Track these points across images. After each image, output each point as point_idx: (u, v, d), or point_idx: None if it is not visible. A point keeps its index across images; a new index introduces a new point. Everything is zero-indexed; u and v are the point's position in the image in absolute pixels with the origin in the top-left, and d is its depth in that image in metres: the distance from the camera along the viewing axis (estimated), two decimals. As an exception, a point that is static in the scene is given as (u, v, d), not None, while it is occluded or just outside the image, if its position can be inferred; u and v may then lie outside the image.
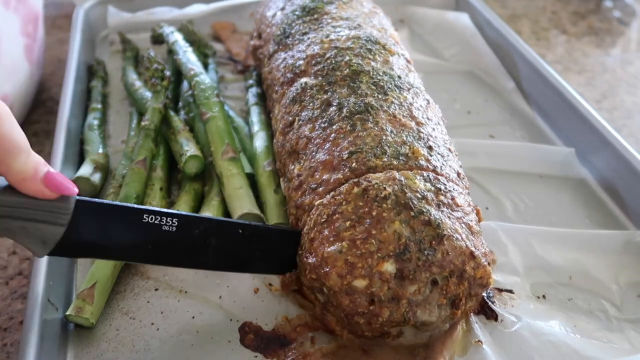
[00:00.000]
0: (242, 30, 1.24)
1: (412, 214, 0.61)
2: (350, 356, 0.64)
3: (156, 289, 0.72)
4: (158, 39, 1.12)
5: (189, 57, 0.99)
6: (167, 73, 0.96)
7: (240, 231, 0.66)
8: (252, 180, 0.82)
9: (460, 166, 0.72)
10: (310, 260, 0.62)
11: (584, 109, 0.93)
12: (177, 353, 0.65)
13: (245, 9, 1.29)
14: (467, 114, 1.03)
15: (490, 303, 0.69)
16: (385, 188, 0.62)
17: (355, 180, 0.64)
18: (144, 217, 0.60)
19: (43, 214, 0.55)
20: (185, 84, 0.99)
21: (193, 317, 0.69)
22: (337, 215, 0.62)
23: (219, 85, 1.04)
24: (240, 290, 0.72)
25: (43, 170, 0.53)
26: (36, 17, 1.03)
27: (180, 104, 0.98)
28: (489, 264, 0.63)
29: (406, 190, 0.62)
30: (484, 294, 0.69)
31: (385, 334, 0.63)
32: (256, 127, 0.90)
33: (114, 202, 0.61)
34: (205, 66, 1.05)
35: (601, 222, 0.83)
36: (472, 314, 0.68)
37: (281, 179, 0.78)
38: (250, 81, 1.03)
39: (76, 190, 0.56)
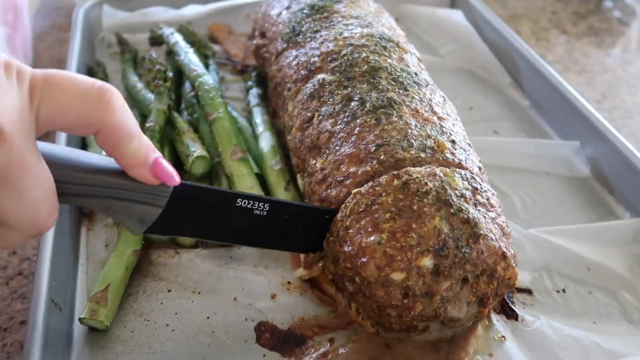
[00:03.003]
0: (238, 32, 1.23)
1: (452, 210, 0.61)
2: (373, 350, 0.63)
3: (169, 290, 0.71)
4: (157, 40, 1.11)
5: (190, 58, 0.99)
6: (170, 74, 0.95)
7: (327, 217, 0.67)
8: (260, 180, 0.82)
9: (480, 161, 0.72)
10: (345, 249, 0.62)
11: (582, 106, 0.94)
12: (193, 353, 0.64)
13: (241, 11, 1.28)
14: (469, 110, 1.04)
15: (510, 303, 0.69)
16: (426, 183, 0.62)
17: (395, 172, 0.64)
18: (237, 201, 0.62)
19: (143, 196, 0.56)
20: (187, 85, 0.98)
21: (208, 318, 0.68)
22: (376, 206, 0.61)
23: (220, 86, 1.03)
24: (255, 291, 0.71)
25: (152, 157, 0.53)
26: (15, 5, 1.00)
27: (183, 105, 0.97)
28: (516, 265, 0.64)
29: (446, 187, 0.62)
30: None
31: (412, 328, 0.63)
32: (261, 128, 0.90)
33: (210, 186, 0.63)
34: (206, 67, 1.04)
35: (606, 217, 0.84)
36: (493, 312, 0.68)
37: (298, 175, 0.77)
38: (250, 82, 1.03)
39: (179, 180, 0.56)
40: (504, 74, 1.11)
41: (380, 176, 0.65)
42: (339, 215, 0.65)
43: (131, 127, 0.52)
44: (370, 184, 0.64)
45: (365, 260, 0.60)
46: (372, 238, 0.60)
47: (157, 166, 0.54)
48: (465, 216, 0.61)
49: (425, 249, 0.59)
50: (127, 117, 0.51)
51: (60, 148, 0.53)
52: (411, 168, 0.64)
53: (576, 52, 1.31)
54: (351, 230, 0.62)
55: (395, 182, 0.63)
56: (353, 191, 0.64)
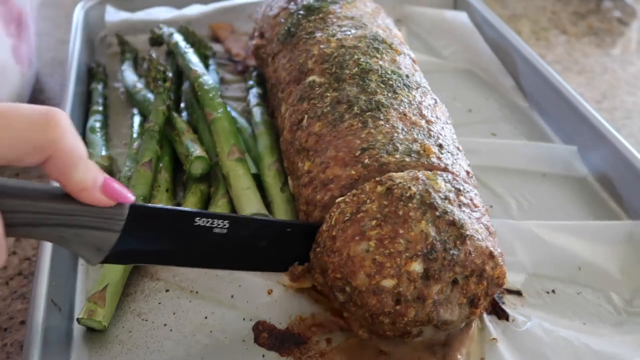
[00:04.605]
0: (240, 31, 1.23)
1: (437, 213, 0.61)
2: (367, 354, 0.64)
3: (167, 290, 0.72)
4: (157, 41, 1.12)
5: (190, 58, 0.99)
6: (169, 74, 0.95)
7: (289, 230, 0.66)
8: (257, 181, 0.82)
9: (469, 165, 0.73)
10: (333, 259, 0.62)
11: (582, 107, 0.94)
12: (191, 353, 0.65)
13: (243, 10, 1.28)
14: (468, 112, 1.04)
15: (500, 304, 0.70)
16: (410, 187, 0.62)
17: (378, 179, 0.64)
18: (196, 220, 0.60)
19: (97, 221, 0.54)
20: (187, 85, 0.99)
21: (206, 317, 0.68)
22: (361, 214, 0.61)
23: (220, 87, 1.04)
24: (253, 290, 0.71)
25: (100, 179, 0.52)
26: (19, 16, 1.01)
27: (183, 105, 0.97)
28: (503, 263, 0.64)
29: (430, 190, 0.62)
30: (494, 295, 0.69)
31: (406, 333, 0.63)
32: (260, 128, 0.90)
33: (166, 207, 0.61)
34: (206, 67, 1.05)
35: (604, 219, 0.83)
36: (485, 313, 0.69)
37: (289, 177, 0.78)
38: (251, 82, 1.03)
39: (133, 197, 0.55)
40: (506, 76, 1.11)
41: (365, 180, 0.65)
42: (324, 226, 0.64)
43: (81, 151, 0.50)
44: (353, 191, 0.64)
45: (354, 269, 0.60)
46: (359, 246, 0.60)
47: (107, 186, 0.52)
48: (451, 218, 0.61)
49: (413, 253, 0.59)
50: (77, 140, 0.50)
51: (4, 178, 0.51)
52: (394, 173, 0.64)
53: (576, 52, 1.31)
54: (338, 240, 0.62)
55: (379, 188, 0.63)
56: (337, 200, 0.64)
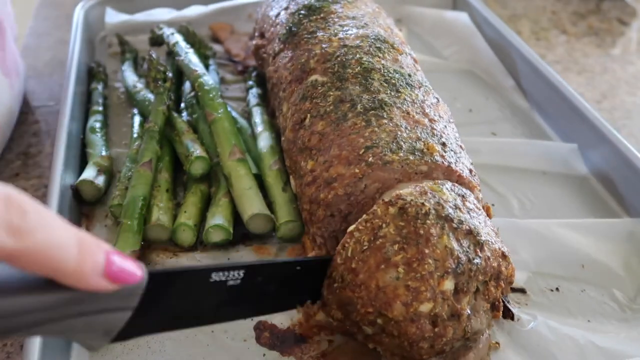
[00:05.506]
0: (240, 31, 1.23)
1: (454, 225, 0.59)
2: (370, 354, 0.63)
3: (168, 290, 0.71)
4: (157, 41, 1.12)
5: (190, 58, 0.99)
6: (169, 74, 0.95)
7: (298, 268, 0.62)
8: (259, 181, 0.82)
9: (471, 163, 0.72)
10: (360, 293, 0.58)
11: (582, 106, 0.94)
12: (193, 353, 0.65)
13: (243, 11, 1.28)
14: (468, 112, 1.04)
15: (506, 302, 0.69)
16: (423, 203, 0.59)
17: (387, 200, 0.61)
18: (212, 275, 0.54)
19: (110, 301, 0.44)
20: (187, 85, 0.99)
21: (207, 317, 0.68)
22: (380, 240, 0.58)
23: (220, 87, 1.04)
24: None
25: (101, 262, 0.42)
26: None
27: (183, 105, 0.97)
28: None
29: (442, 203, 0.60)
30: (502, 295, 0.69)
31: (442, 352, 0.60)
32: (260, 128, 0.90)
33: (181, 268, 0.55)
34: (206, 67, 1.05)
35: (605, 217, 0.84)
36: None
37: (291, 177, 0.77)
38: (250, 82, 1.03)
39: (142, 273, 0.45)
40: (506, 76, 1.11)
41: (369, 178, 0.64)
42: (338, 259, 0.60)
43: (59, 244, 0.39)
44: (364, 217, 0.61)
45: (388, 300, 0.56)
46: (388, 275, 0.57)
47: (111, 270, 0.42)
48: (467, 227, 0.60)
49: (444, 271, 0.57)
50: (50, 235, 0.39)
51: None
52: (401, 191, 0.62)
53: (576, 52, 1.31)
54: (361, 272, 0.58)
55: (391, 209, 0.60)
56: (349, 230, 0.61)
